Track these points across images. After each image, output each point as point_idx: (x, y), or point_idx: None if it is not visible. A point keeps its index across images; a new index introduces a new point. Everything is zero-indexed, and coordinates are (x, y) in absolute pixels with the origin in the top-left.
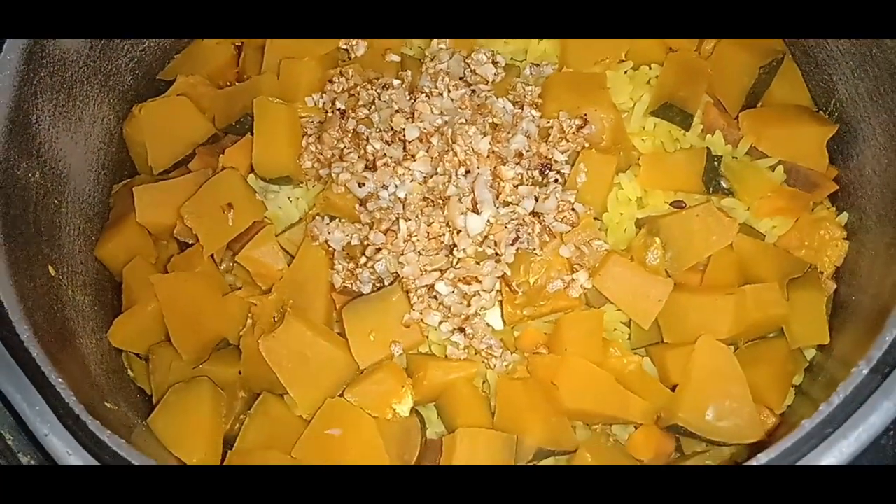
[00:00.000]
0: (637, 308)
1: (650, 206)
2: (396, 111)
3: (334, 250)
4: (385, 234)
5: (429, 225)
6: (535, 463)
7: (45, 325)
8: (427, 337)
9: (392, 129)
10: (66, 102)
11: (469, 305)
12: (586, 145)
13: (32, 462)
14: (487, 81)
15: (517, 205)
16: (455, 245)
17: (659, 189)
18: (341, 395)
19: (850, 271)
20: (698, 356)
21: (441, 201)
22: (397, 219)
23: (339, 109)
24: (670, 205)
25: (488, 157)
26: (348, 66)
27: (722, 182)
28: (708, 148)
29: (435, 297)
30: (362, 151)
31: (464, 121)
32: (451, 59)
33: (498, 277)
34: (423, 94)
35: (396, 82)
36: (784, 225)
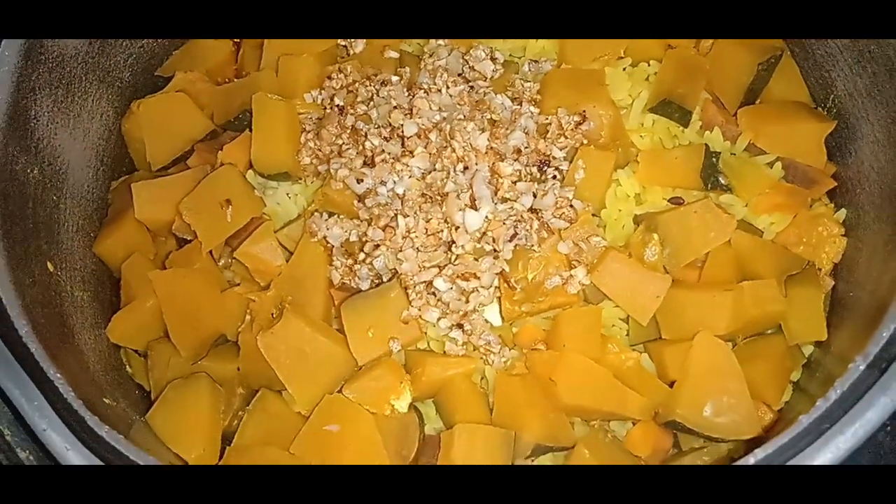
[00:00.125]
0: (635, 304)
1: (648, 202)
2: (395, 107)
3: (333, 246)
4: (383, 231)
5: (427, 221)
6: (533, 459)
7: (43, 321)
8: (425, 333)
9: (390, 125)
10: (65, 98)
11: (467, 302)
12: (585, 142)
13: (31, 457)
14: (486, 78)
15: (515, 201)
16: (453, 241)
17: (657, 185)
18: (340, 392)
19: (848, 268)
20: (696, 352)
21: (439, 198)
22: (396, 215)
23: (337, 106)
24: (668, 201)
25: (487, 153)
26: (347, 62)
27: (720, 178)
28: (706, 144)
29: (433, 294)
30: (361, 148)
31: (462, 117)
32: (449, 55)
33: (496, 274)
34: (422, 91)
35: (395, 79)
36: (782, 221)
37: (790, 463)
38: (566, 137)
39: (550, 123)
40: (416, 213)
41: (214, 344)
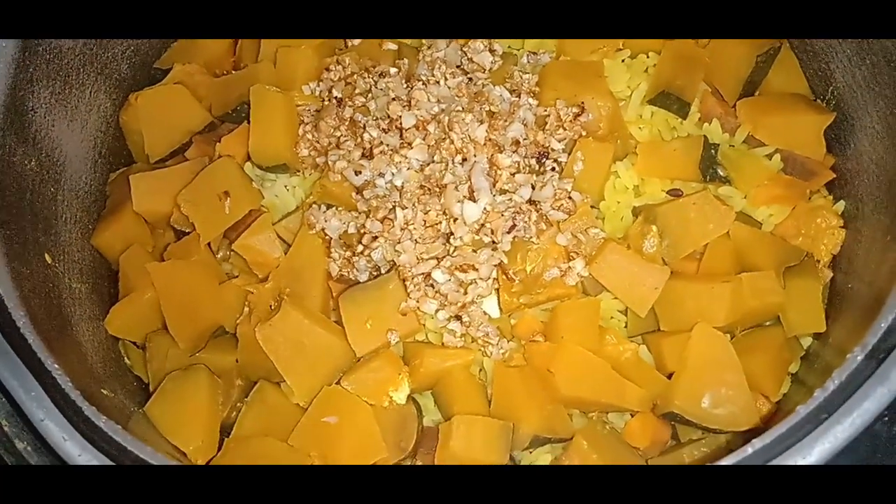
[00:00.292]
0: (634, 296)
1: (647, 194)
2: (393, 99)
3: (331, 238)
4: (382, 223)
5: (425, 213)
6: (531, 450)
7: (41, 313)
8: (424, 325)
9: (389, 117)
10: (63, 90)
11: (466, 293)
12: (583, 133)
13: (28, 447)
14: (484, 69)
15: (514, 193)
16: (452, 233)
17: (656, 177)
18: (338, 383)
19: (847, 259)
20: (695, 344)
21: (438, 189)
22: (394, 207)
23: (335, 98)
24: (667, 193)
25: (485, 145)
26: (345, 54)
27: (719, 170)
28: (705, 136)
29: (431, 285)
30: (359, 139)
31: (460, 109)
32: (447, 47)
33: (494, 265)
34: (420, 83)
35: (393, 70)
36: (781, 213)
37: (788, 451)
38: (565, 129)
39: (549, 115)
40: (414, 204)
41: (213, 336)
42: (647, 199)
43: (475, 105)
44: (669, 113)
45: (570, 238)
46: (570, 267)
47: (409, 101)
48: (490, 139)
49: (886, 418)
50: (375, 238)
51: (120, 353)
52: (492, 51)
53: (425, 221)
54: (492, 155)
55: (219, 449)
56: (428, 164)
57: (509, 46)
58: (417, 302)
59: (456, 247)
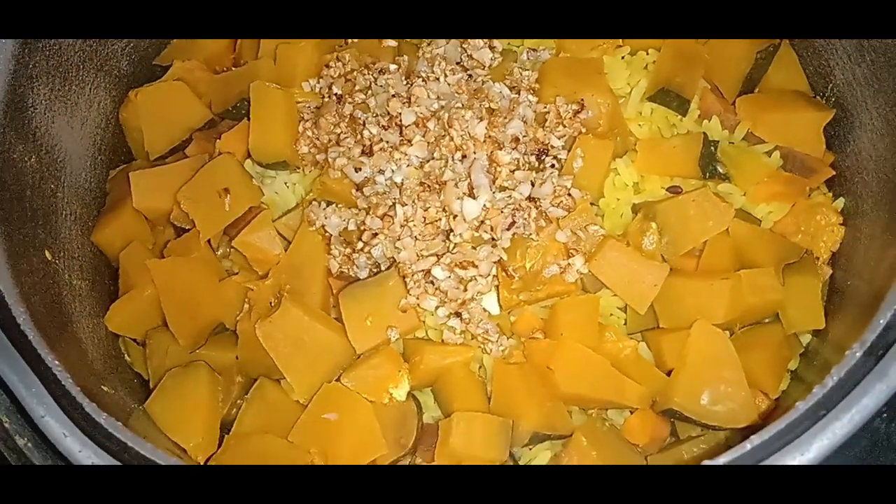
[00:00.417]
0: (633, 293)
1: (647, 191)
2: (393, 96)
3: (331, 235)
4: (382, 219)
5: (425, 210)
6: (530, 447)
7: (41, 309)
8: (424, 322)
9: (388, 113)
10: (62, 87)
11: (465, 290)
12: (583, 130)
13: (29, 444)
14: (484, 66)
15: (513, 190)
16: (451, 230)
17: (655, 174)
18: (338, 380)
19: (846, 256)
20: (694, 341)
21: (437, 186)
22: (394, 204)
23: (335, 94)
24: (667, 190)
25: (485, 141)
26: (345, 50)
27: (718, 167)
28: (704, 133)
29: (431, 282)
30: (359, 136)
31: (460, 105)
32: (447, 43)
33: (494, 262)
34: (420, 79)
35: (393, 67)
36: (780, 210)
37: (787, 448)
38: (564, 126)
39: (549, 112)
40: (414, 201)
41: (213, 333)
42: (647, 196)
43: (475, 102)
44: (669, 110)
45: (569, 235)
46: (569, 264)
47: (409, 98)
48: (490, 136)
49: (885, 415)
50: (375, 235)
51: (120, 349)
52: (491, 48)
53: (425, 218)
54: (491, 152)
55: (219, 446)
56: (428, 161)
57: (509, 43)
58: (417, 299)
59: (456, 244)
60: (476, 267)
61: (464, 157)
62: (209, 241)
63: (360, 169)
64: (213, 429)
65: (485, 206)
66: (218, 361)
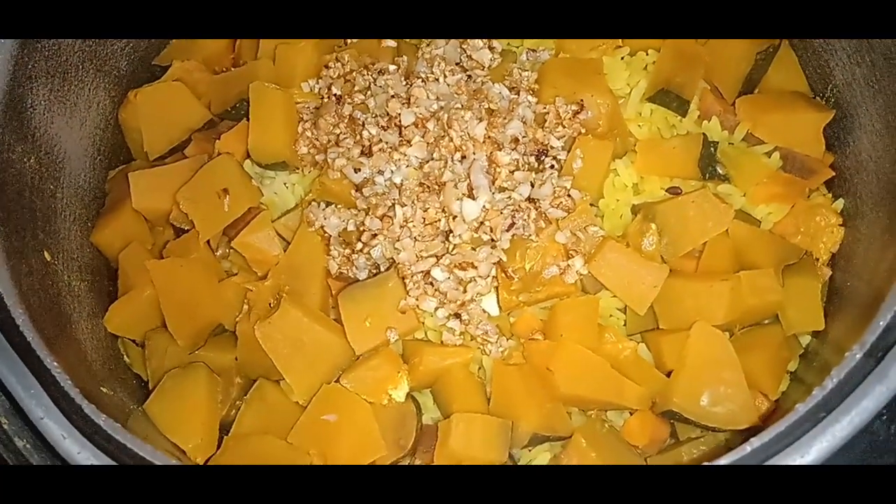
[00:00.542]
0: (632, 294)
1: (646, 192)
2: (392, 96)
3: (330, 236)
4: (381, 220)
5: (425, 210)
6: (530, 448)
7: (40, 310)
8: (423, 323)
9: (388, 114)
10: (62, 87)
11: (465, 291)
12: (582, 131)
13: (28, 445)
14: (484, 67)
15: (513, 191)
16: (451, 231)
17: (655, 175)
18: (337, 381)
19: (846, 257)
20: (693, 342)
21: (437, 187)
22: (393, 204)
23: (335, 95)
24: (666, 191)
25: (484, 142)
26: (344, 51)
27: (718, 168)
28: (704, 134)
29: (431, 283)
30: (358, 137)
31: (460, 106)
32: (447, 44)
33: (494, 263)
34: (419, 80)
35: (392, 67)
36: (780, 211)
37: (786, 450)
38: (564, 127)
39: (548, 113)
40: (413, 202)
41: (212, 334)
42: (647, 197)
43: (474, 102)
44: (669, 110)
45: (569, 236)
46: (569, 265)
47: (409, 99)
48: (489, 137)
49: (885, 417)
50: (375, 236)
51: (119, 350)
52: (491, 48)
53: (424, 219)
54: (491, 153)
55: (218, 447)
56: (427, 162)
57: (508, 44)
58: (417, 300)
59: (455, 245)
60: (475, 268)
61: (463, 157)
62: (208, 241)
63: (360, 169)
64: (212, 430)
65: (484, 206)
66: (217, 362)
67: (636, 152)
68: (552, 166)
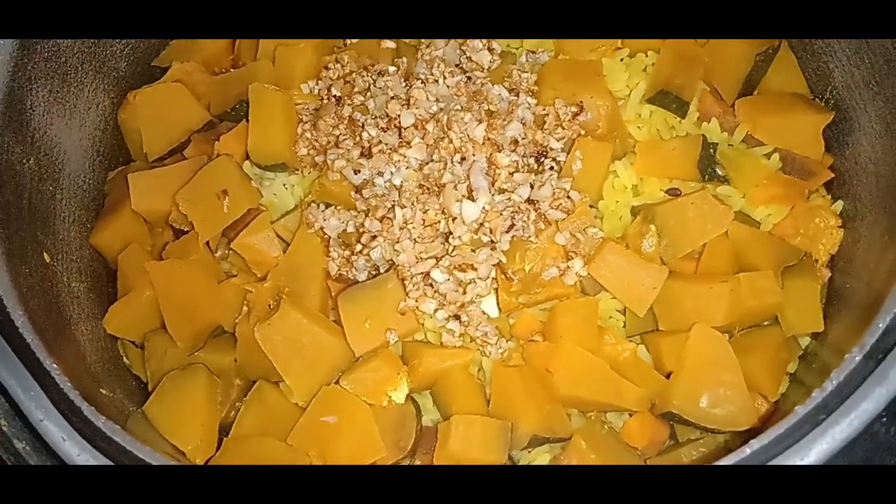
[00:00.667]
0: (632, 295)
1: (646, 193)
2: (392, 98)
3: (330, 237)
4: (381, 222)
5: (424, 212)
6: (529, 450)
7: (40, 312)
8: (422, 324)
9: (387, 115)
10: (61, 88)
11: (464, 293)
12: (582, 133)
13: (27, 447)
14: (483, 68)
15: (512, 192)
16: (450, 232)
17: (654, 177)
18: (337, 383)
19: (845, 259)
20: (693, 344)
21: (436, 188)
22: (393, 206)
23: (334, 96)
24: (666, 192)
25: (484, 144)
26: (344, 52)
27: (717, 170)
28: (704, 135)
29: (430, 285)
30: (358, 138)
31: (459, 108)
32: (446, 45)
33: (493, 265)
34: (419, 81)
35: (392, 69)
36: (779, 213)
37: (786, 452)
38: (563, 128)
39: (548, 114)
40: (413, 203)
41: (211, 335)
42: (646, 199)
43: (474, 104)
44: (668, 112)
45: (568, 237)
46: (568, 266)
47: (408, 100)
48: (489, 138)
49: (884, 419)
50: (374, 237)
51: (118, 352)
52: (490, 49)
53: (424, 221)
54: (490, 154)
55: (217, 448)
56: (427, 164)
57: (508, 45)
58: (416, 301)
59: (455, 246)
60: (475, 269)
61: (463, 159)
62: (208, 243)
63: (359, 171)
64: (211, 431)
65: (484, 208)
66: (216, 364)
67: (636, 154)
68: (552, 168)
